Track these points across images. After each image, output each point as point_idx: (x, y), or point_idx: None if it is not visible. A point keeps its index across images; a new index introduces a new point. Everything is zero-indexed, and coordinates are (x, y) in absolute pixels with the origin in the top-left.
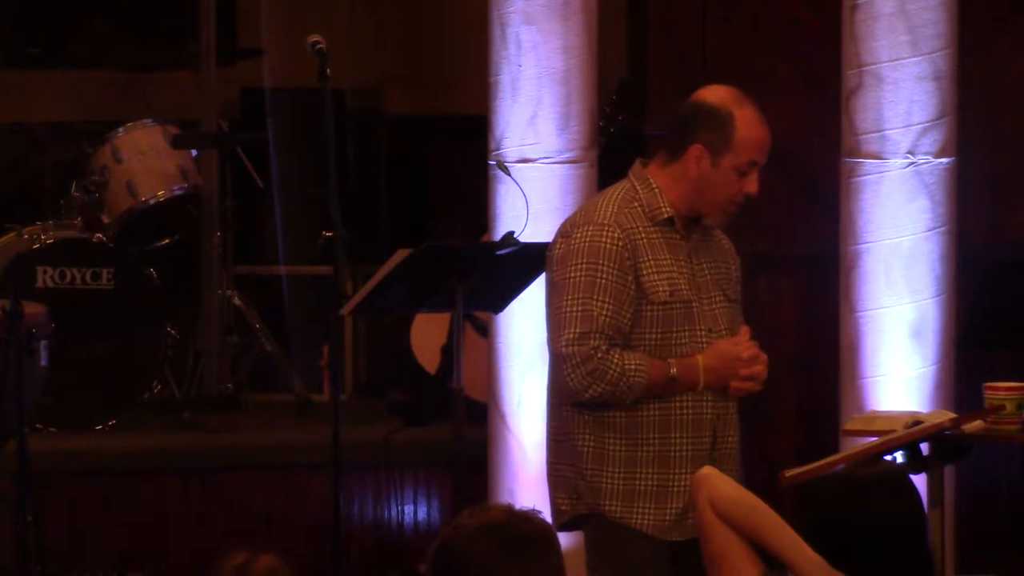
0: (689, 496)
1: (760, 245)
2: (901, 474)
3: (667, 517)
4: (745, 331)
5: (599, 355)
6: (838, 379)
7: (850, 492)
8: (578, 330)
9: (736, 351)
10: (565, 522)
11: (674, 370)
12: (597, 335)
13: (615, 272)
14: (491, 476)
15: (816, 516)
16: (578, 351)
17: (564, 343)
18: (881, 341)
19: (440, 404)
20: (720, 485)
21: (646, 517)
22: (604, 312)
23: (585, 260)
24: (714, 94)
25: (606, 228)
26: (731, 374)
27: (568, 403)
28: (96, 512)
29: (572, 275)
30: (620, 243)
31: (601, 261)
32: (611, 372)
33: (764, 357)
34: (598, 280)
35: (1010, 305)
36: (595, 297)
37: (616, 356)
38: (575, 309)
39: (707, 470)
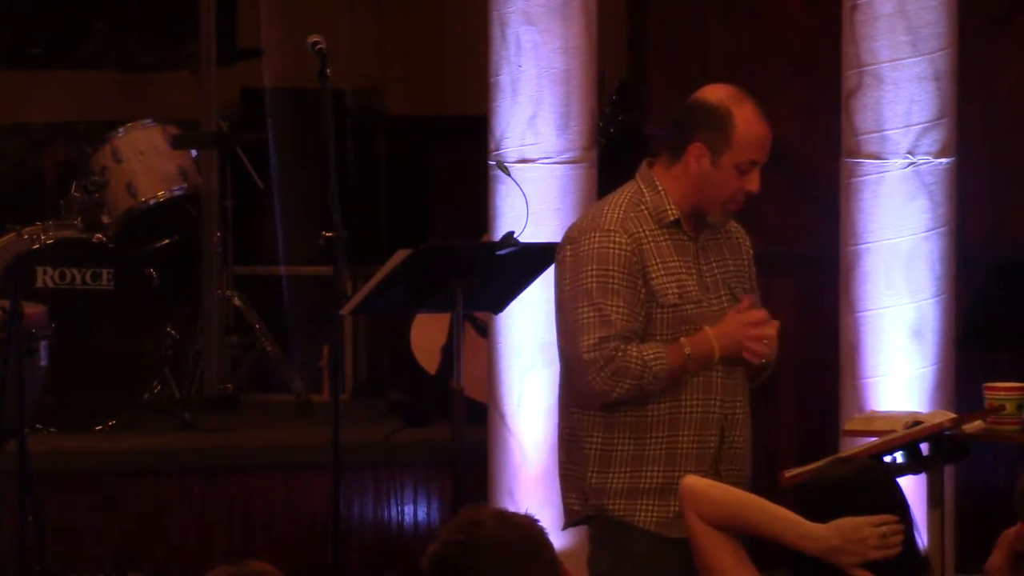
0: None
1: (760, 245)
2: (879, 470)
3: (669, 514)
4: (746, 301)
5: (619, 354)
6: (838, 379)
7: (830, 494)
8: (598, 335)
9: (740, 316)
10: (576, 521)
11: (688, 349)
12: (616, 338)
13: (625, 276)
14: (491, 476)
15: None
16: (600, 355)
17: (585, 349)
18: (881, 341)
19: (440, 404)
20: (704, 492)
21: (649, 514)
22: (620, 316)
23: (596, 266)
24: (713, 93)
25: (612, 234)
26: (741, 338)
27: (585, 406)
28: (96, 512)
29: (585, 282)
30: (627, 248)
31: (611, 267)
32: (633, 366)
33: (774, 323)
34: (610, 285)
35: (1010, 305)
36: (609, 302)
37: (634, 350)
38: (592, 315)
39: (688, 480)
